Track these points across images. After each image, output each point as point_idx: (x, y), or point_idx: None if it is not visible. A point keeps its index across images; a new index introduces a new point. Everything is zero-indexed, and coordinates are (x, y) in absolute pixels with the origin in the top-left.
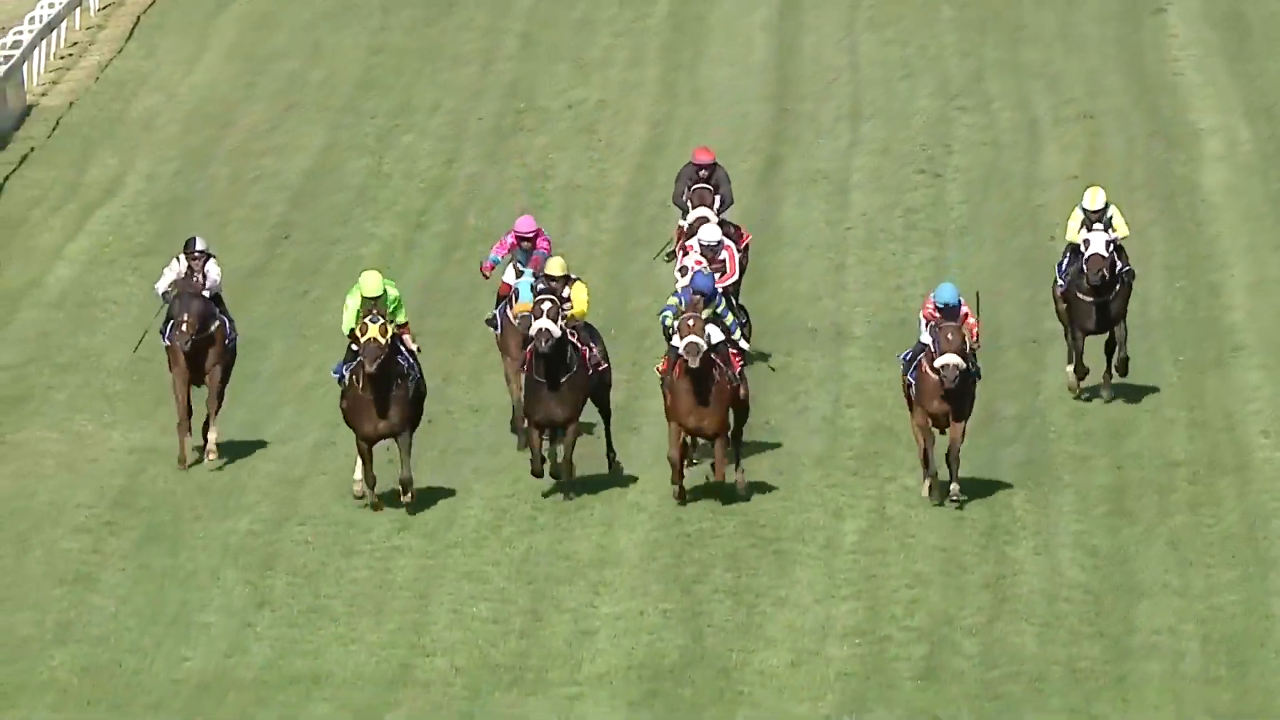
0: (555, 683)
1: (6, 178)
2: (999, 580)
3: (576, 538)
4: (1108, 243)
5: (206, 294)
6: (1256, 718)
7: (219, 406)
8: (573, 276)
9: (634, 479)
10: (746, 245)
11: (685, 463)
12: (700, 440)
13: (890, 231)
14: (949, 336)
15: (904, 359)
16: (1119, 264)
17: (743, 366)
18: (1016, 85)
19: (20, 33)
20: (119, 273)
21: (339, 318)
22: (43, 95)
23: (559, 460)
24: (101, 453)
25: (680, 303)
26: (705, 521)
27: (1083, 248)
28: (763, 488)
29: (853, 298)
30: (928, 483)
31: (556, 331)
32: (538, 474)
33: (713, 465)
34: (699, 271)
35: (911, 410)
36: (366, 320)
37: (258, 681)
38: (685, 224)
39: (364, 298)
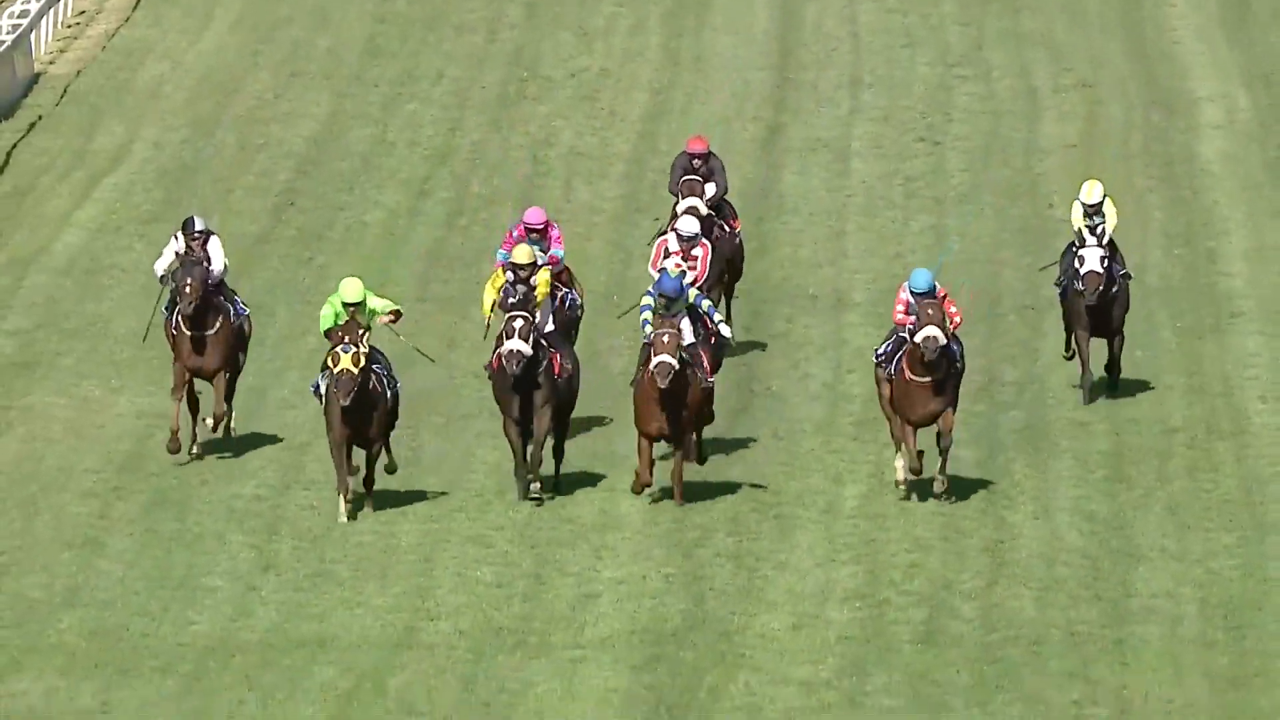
0: (558, 646)
1: (15, 146)
2: (998, 545)
3: (579, 502)
4: (1102, 258)
5: (211, 279)
6: (1254, 680)
7: (228, 414)
8: (539, 264)
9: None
10: (740, 231)
11: (653, 464)
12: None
13: (890, 199)
14: (929, 311)
15: (878, 354)
16: (1115, 264)
17: (712, 379)
18: (1016, 54)
19: (28, 2)
20: (126, 240)
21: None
22: (50, 64)
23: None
24: (109, 418)
25: (655, 300)
26: (707, 486)
27: (1078, 264)
28: (764, 453)
29: (853, 265)
30: (903, 462)
31: (528, 352)
32: (521, 476)
33: (676, 472)
34: (665, 273)
35: (890, 419)
36: (339, 350)
37: (263, 644)
38: (679, 209)
39: (343, 303)
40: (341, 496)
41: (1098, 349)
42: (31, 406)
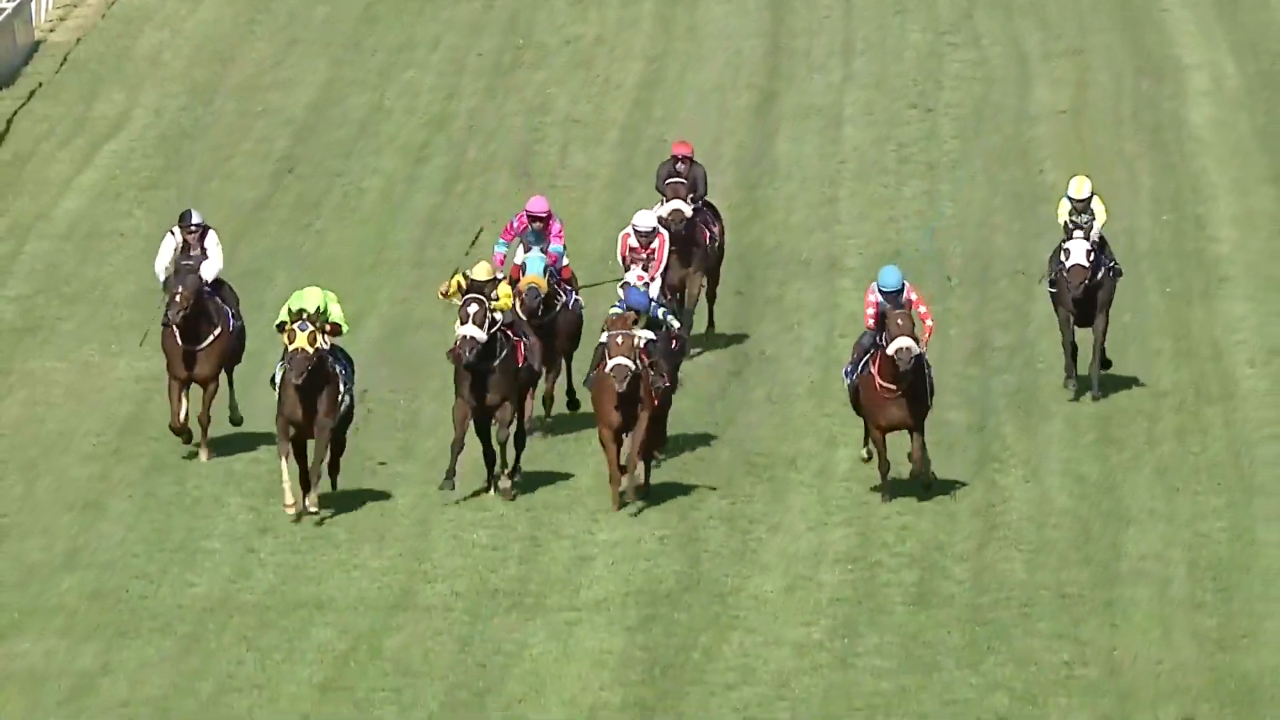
0: (554, 608)
1: (15, 113)
2: (989, 507)
3: (575, 466)
4: (1088, 251)
5: (206, 279)
6: (1241, 641)
7: (234, 408)
8: (499, 277)
9: None
10: (721, 231)
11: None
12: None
13: (882, 165)
14: (899, 321)
15: (847, 371)
16: (1102, 257)
17: (669, 388)
18: (1006, 21)
19: None
20: (126, 205)
21: (341, 250)
22: (50, 31)
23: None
24: (109, 382)
25: (621, 310)
26: (700, 449)
27: (1063, 257)
28: (757, 417)
29: (846, 230)
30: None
31: (482, 337)
32: (451, 472)
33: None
34: (633, 287)
35: (864, 420)
36: (295, 327)
37: (261, 606)
38: (663, 211)
39: (298, 309)
40: (286, 486)
41: (1090, 350)
42: (32, 371)
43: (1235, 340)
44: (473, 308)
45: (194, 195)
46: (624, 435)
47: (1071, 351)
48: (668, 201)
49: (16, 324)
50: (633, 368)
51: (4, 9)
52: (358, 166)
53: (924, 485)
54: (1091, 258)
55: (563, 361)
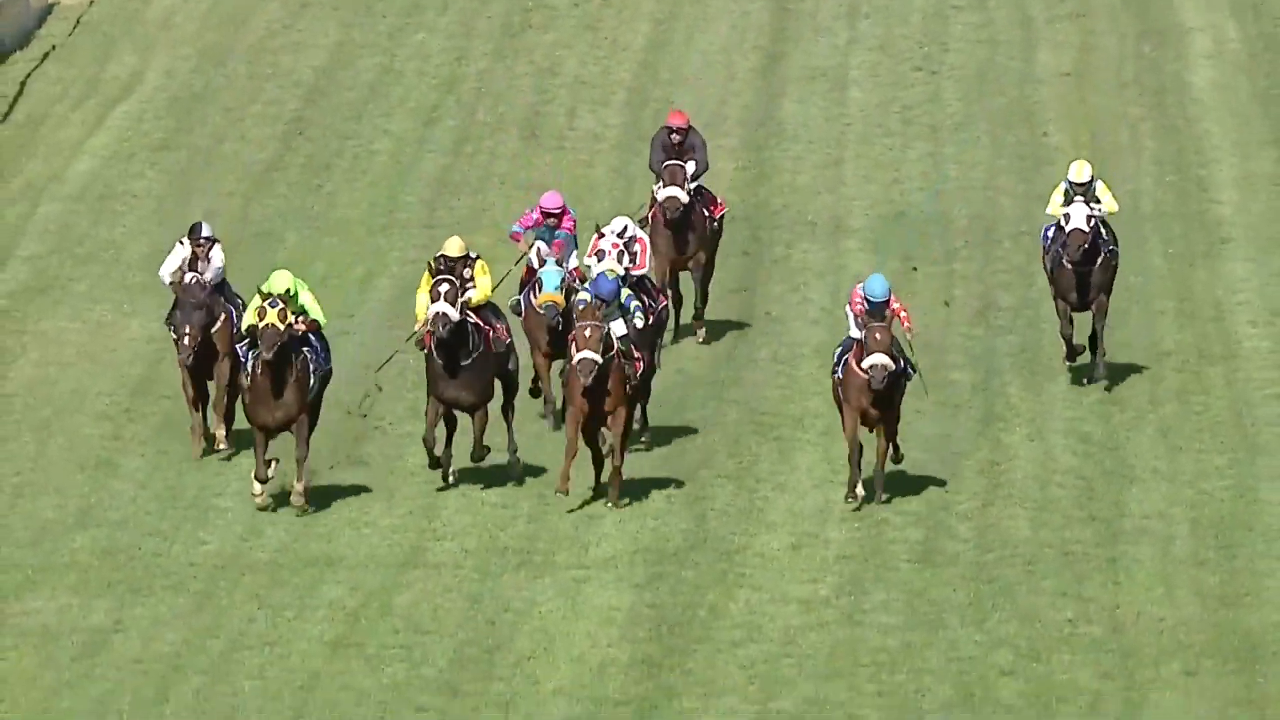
0: (562, 565)
1: (29, 75)
2: (993, 466)
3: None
4: (1088, 217)
5: (209, 283)
6: (1244, 599)
7: (229, 402)
8: (472, 256)
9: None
10: (721, 216)
11: (575, 455)
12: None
13: (887, 127)
14: (877, 336)
15: (837, 355)
16: (1103, 237)
17: (643, 373)
18: None
19: None
20: (138, 166)
21: (352, 211)
22: None
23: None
24: (121, 342)
25: (591, 300)
26: (707, 409)
27: (1063, 222)
28: (763, 376)
29: (851, 191)
30: (856, 487)
31: (455, 315)
32: (433, 465)
33: (610, 455)
34: (602, 275)
35: (841, 411)
36: (265, 305)
37: (272, 564)
38: (659, 196)
39: (267, 292)
40: (256, 479)
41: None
42: (45, 331)
43: (1237, 301)
44: (444, 286)
45: (206, 156)
46: (594, 425)
47: (1069, 345)
48: (664, 187)
49: (30, 284)
50: (598, 361)
51: None
52: (368, 128)
53: (877, 487)
54: (1092, 223)
55: None
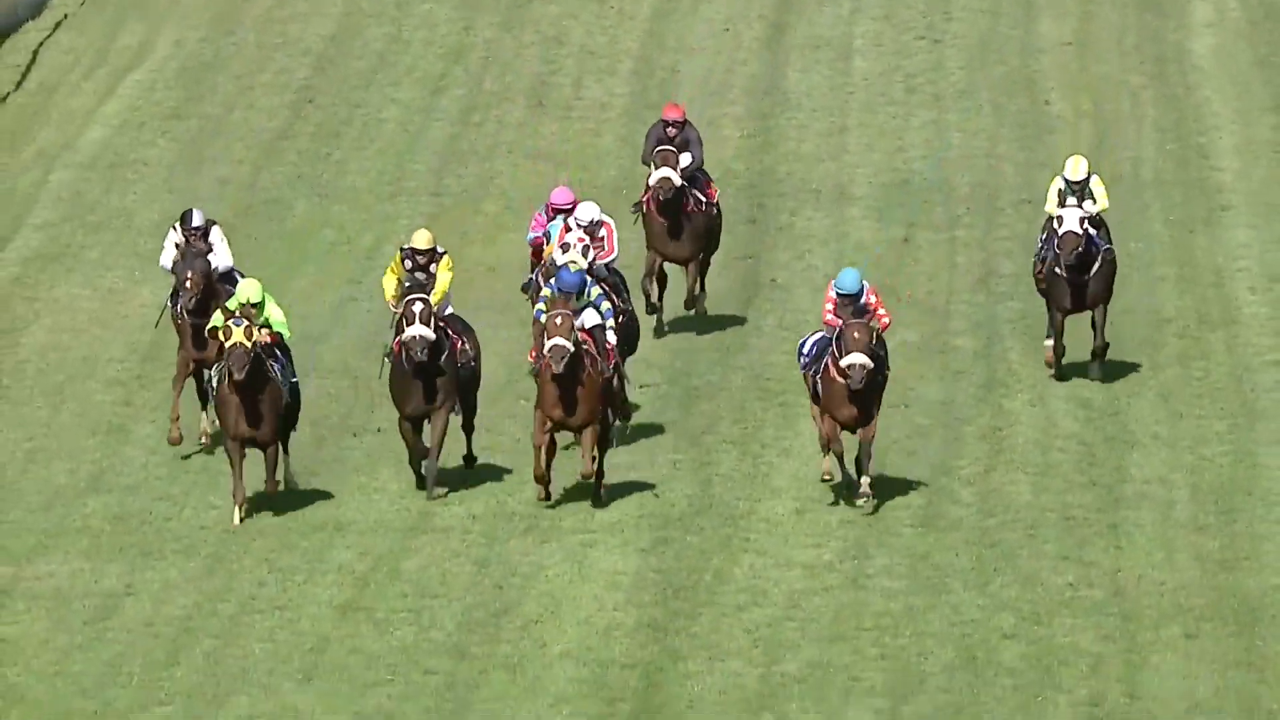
0: (569, 530)
1: (41, 44)
2: (995, 431)
3: None
4: (1081, 219)
5: (217, 268)
6: (1243, 563)
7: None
8: (439, 251)
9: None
10: (717, 202)
11: (552, 454)
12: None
13: (891, 95)
14: (855, 335)
15: (802, 349)
16: (1097, 240)
17: (618, 361)
18: None
19: None
20: (149, 135)
21: (360, 179)
22: None
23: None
24: (132, 309)
25: (554, 294)
26: (713, 375)
27: (1056, 225)
28: (769, 343)
29: (854, 160)
30: (832, 464)
31: (431, 336)
32: (416, 469)
33: (581, 456)
34: (565, 269)
35: (818, 416)
36: (230, 324)
37: (282, 528)
38: (651, 180)
39: (238, 304)
40: (236, 504)
41: (1077, 340)
42: (58, 298)
43: (1237, 267)
44: (418, 306)
45: (216, 125)
46: (568, 419)
47: (1056, 360)
48: (656, 171)
49: (43, 252)
50: (570, 348)
51: None
52: (376, 97)
53: (859, 492)
54: (1085, 225)
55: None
